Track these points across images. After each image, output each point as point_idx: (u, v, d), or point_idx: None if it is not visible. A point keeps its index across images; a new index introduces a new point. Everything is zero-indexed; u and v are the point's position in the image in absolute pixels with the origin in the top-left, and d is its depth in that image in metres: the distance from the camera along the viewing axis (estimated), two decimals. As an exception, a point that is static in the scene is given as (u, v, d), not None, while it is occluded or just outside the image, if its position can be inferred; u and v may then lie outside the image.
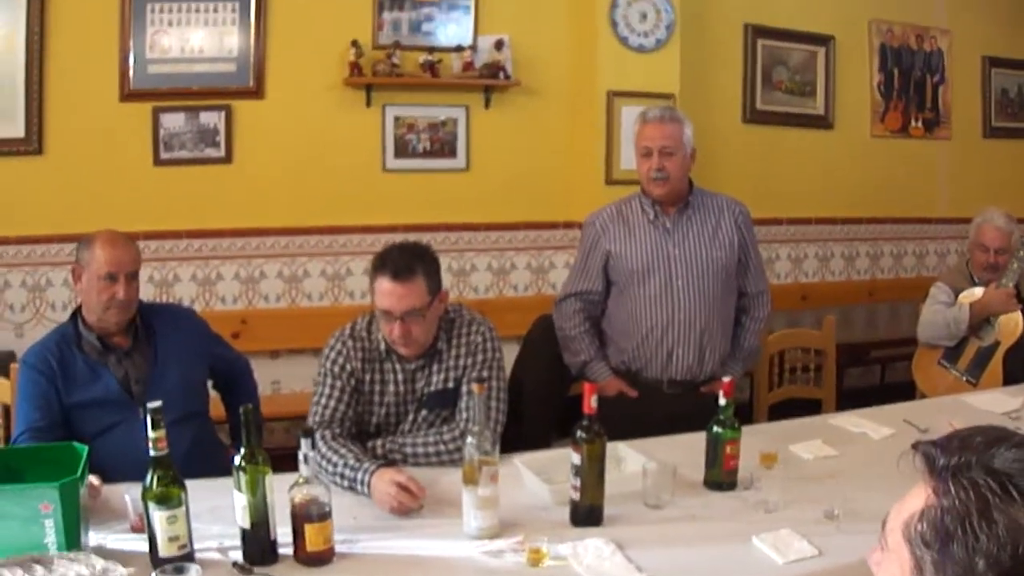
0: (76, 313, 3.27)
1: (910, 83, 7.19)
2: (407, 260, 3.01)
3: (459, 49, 5.66)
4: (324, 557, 2.37)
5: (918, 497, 1.30)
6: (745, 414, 3.14)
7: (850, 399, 4.73)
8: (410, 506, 2.68)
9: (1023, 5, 7.52)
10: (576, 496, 2.62)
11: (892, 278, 7.34)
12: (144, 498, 2.27)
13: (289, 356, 5.62)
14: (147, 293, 4.40)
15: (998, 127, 7.62)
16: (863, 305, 7.22)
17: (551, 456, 3.10)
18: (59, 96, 5.03)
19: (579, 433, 2.60)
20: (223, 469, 2.90)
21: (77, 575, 1.06)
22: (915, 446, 1.33)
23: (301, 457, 2.35)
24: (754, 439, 3.10)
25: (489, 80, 5.71)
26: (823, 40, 6.78)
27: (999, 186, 7.13)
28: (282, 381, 5.60)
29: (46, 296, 5.18)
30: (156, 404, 2.22)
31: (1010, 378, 4.51)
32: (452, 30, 5.68)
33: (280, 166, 5.47)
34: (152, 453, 2.25)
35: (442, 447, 3.07)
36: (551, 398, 4.21)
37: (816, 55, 6.79)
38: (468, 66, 5.65)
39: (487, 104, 5.84)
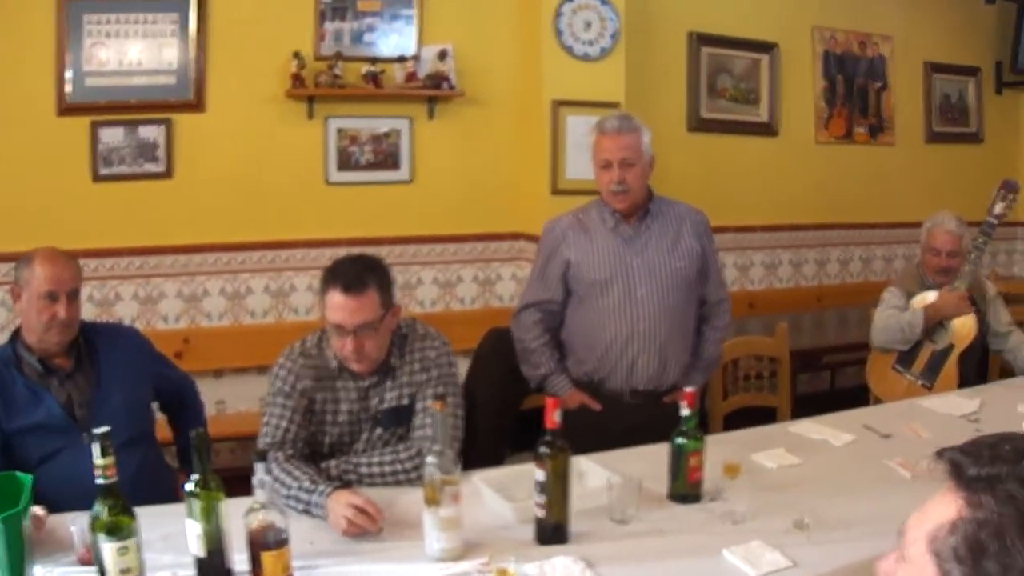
0: (15, 334, 3.16)
1: (853, 89, 7.23)
2: (359, 273, 2.93)
3: (402, 59, 5.59)
4: (282, 585, 2.28)
5: (944, 506, 1.24)
6: (700, 424, 3.11)
7: (803, 405, 4.73)
8: (368, 529, 2.59)
9: (964, 11, 7.63)
10: (541, 513, 2.55)
11: (839, 284, 7.38)
12: (92, 529, 2.16)
13: (234, 375, 5.51)
14: (87, 313, 4.27)
15: (940, 132, 7.71)
16: (811, 312, 7.23)
17: (509, 473, 3.04)
18: (-6, 111, 4.90)
19: (542, 448, 2.53)
20: (172, 494, 2.81)
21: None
22: (940, 453, 1.27)
23: (256, 482, 2.26)
24: (715, 449, 3.05)
25: (433, 90, 5.64)
26: (767, 47, 6.80)
27: (942, 191, 7.18)
28: (227, 401, 5.48)
29: (-19, 318, 5.03)
30: (104, 430, 2.11)
31: (964, 381, 4.54)
32: (395, 40, 5.60)
33: (221, 180, 5.35)
34: (100, 481, 2.14)
35: (399, 466, 2.98)
36: (504, 413, 4.16)
37: (760, 62, 6.79)
38: (411, 76, 5.58)
39: (431, 115, 5.77)
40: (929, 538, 1.24)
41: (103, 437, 2.11)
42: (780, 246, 7.09)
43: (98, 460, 2.12)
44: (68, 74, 4.98)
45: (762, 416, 4.38)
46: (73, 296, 3.10)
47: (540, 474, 2.53)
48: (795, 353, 5.40)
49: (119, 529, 2.14)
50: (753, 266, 7.02)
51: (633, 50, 5.98)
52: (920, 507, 1.29)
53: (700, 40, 6.54)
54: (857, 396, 4.94)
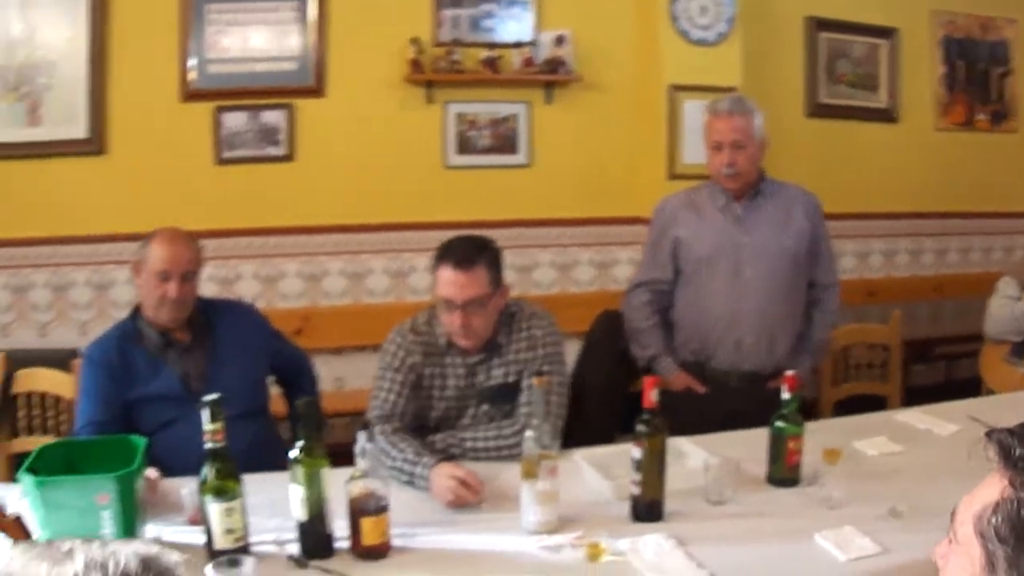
0: (137, 309, 3.28)
1: (975, 75, 7.05)
2: (469, 250, 3.02)
3: (519, 45, 5.65)
4: (380, 551, 2.37)
5: (991, 488, 1.25)
6: (810, 410, 3.08)
7: (915, 396, 4.65)
8: (469, 500, 2.67)
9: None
10: (636, 491, 2.59)
11: (958, 273, 7.20)
12: (201, 491, 2.28)
13: (352, 353, 5.63)
14: (209, 291, 4.39)
15: (1067, 120, 7.44)
16: (928, 301, 7.09)
17: (611, 451, 3.08)
18: (121, 97, 5.09)
19: (640, 427, 2.57)
20: (284, 466, 2.91)
21: (134, 552, 1.08)
22: (989, 435, 1.28)
23: (358, 450, 2.35)
24: (818, 435, 3.05)
25: (550, 75, 5.69)
26: (885, 32, 6.67)
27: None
28: (345, 378, 5.60)
29: (109, 295, 5.24)
30: (214, 396, 2.22)
31: (1079, 375, 4.42)
32: (512, 27, 5.67)
33: (342, 164, 5.49)
34: (209, 445, 2.25)
35: (502, 441, 3.05)
36: (614, 394, 4.18)
37: (878, 47, 6.68)
38: (529, 62, 5.63)
39: (548, 99, 5.82)
40: (976, 519, 1.25)
41: (214, 403, 2.22)
42: (899, 234, 6.96)
43: (207, 425, 2.23)
44: (192, 62, 5.17)
45: (873, 405, 4.32)
46: (187, 278, 3.18)
47: (637, 452, 2.57)
48: (909, 343, 5.33)
49: (225, 491, 2.25)
50: (872, 254, 6.91)
51: (749, 34, 5.94)
52: (970, 490, 1.30)
53: (817, 25, 6.45)
54: (972, 388, 4.84)
